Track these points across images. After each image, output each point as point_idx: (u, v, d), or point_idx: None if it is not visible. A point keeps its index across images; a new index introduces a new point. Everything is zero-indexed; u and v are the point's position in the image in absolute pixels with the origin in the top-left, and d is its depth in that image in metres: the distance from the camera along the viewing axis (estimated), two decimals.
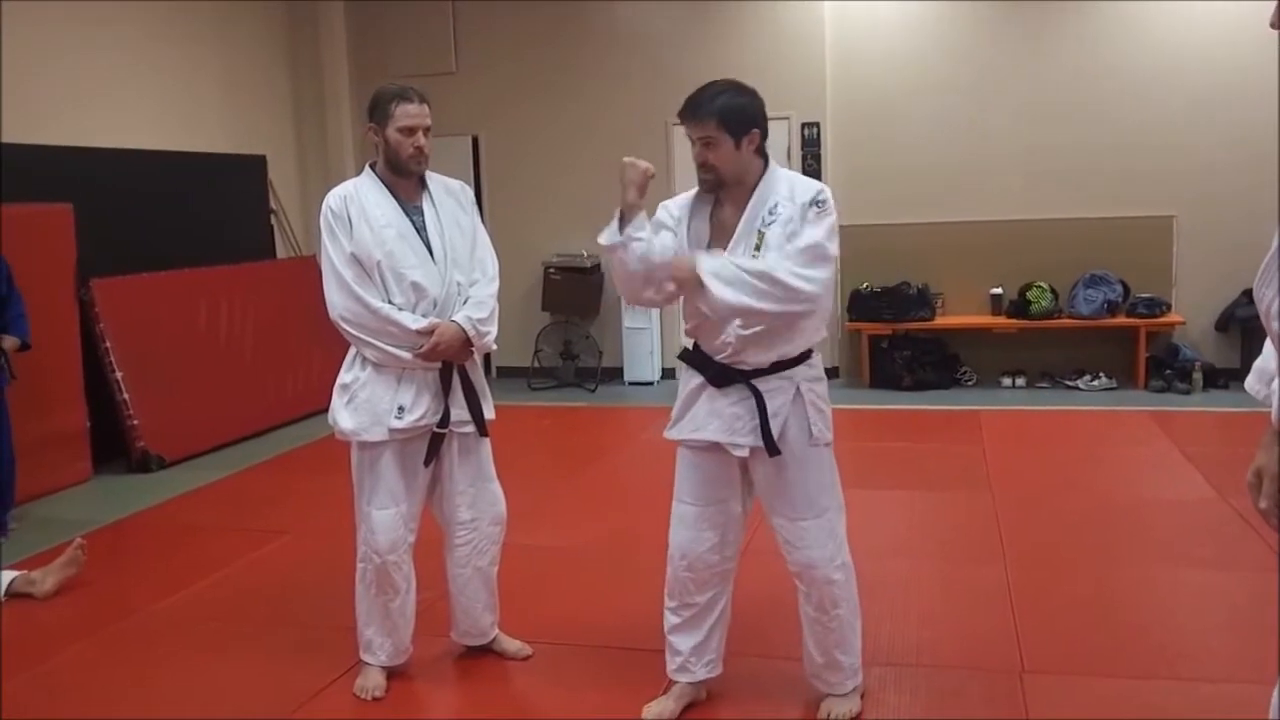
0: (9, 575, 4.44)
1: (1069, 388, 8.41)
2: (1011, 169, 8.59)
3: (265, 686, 3.55)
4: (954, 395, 8.33)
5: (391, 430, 3.31)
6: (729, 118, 2.89)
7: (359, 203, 3.32)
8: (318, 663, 3.66)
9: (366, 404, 3.32)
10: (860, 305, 8.70)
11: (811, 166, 8.74)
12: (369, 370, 3.34)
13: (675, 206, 3.11)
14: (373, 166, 3.42)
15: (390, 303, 3.29)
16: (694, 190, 3.09)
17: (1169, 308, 8.37)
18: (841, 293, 8.85)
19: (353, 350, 3.39)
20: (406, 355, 3.29)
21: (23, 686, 3.61)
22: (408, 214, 3.36)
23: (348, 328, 3.30)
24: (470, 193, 3.59)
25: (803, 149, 8.77)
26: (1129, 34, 8.32)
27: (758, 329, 2.90)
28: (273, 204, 8.88)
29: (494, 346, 3.47)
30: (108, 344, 6.59)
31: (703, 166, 2.96)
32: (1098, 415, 7.47)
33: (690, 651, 3.19)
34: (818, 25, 8.71)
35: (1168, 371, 8.16)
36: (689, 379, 3.09)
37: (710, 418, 3.02)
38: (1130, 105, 8.34)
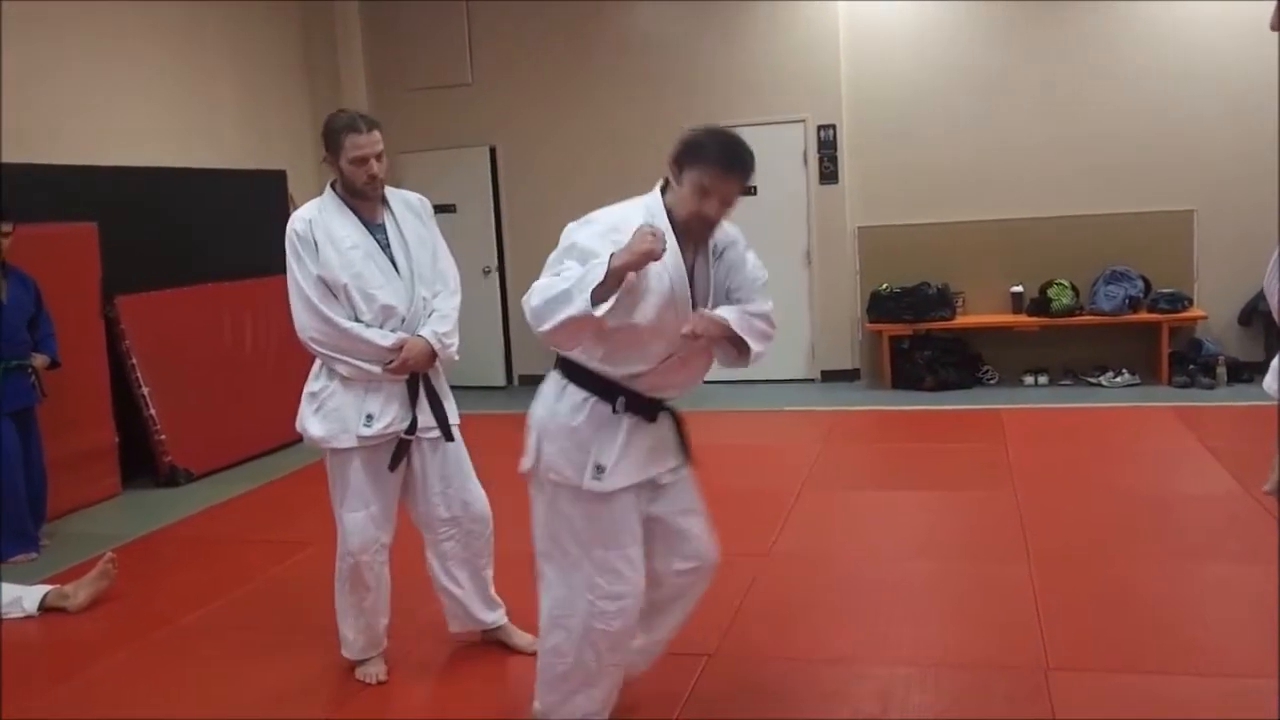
0: (42, 590, 4.51)
1: (1092, 385, 8.37)
2: (1030, 166, 8.57)
3: (295, 694, 3.59)
4: (976, 395, 8.30)
5: (360, 438, 3.40)
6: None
7: (324, 226, 3.40)
8: (347, 671, 3.68)
9: (335, 412, 3.42)
10: (880, 306, 8.69)
11: (828, 169, 8.76)
12: (337, 380, 3.43)
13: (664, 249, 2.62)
14: (333, 186, 3.49)
15: (358, 320, 3.37)
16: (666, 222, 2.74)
17: (1191, 302, 8.33)
18: (861, 294, 8.86)
19: (319, 360, 3.48)
20: (376, 370, 3.38)
21: (58, 699, 3.67)
22: (372, 233, 3.44)
23: (319, 348, 3.41)
24: (429, 206, 3.66)
25: (819, 151, 8.77)
26: (1146, 29, 8.28)
27: (701, 370, 2.91)
28: None
29: (456, 357, 3.54)
30: (134, 360, 6.66)
31: (710, 223, 2.73)
32: (1121, 412, 7.44)
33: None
34: (832, 27, 8.71)
35: (1191, 366, 8.12)
36: (600, 421, 2.79)
37: (650, 454, 2.84)
38: (1147, 100, 8.30)
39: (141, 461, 6.70)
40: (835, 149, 8.79)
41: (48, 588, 4.54)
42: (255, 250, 8.24)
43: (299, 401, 3.54)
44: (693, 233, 2.75)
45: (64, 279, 5.97)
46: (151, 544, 5.56)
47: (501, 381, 9.64)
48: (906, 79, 8.71)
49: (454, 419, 3.58)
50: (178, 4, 7.81)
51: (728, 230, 2.87)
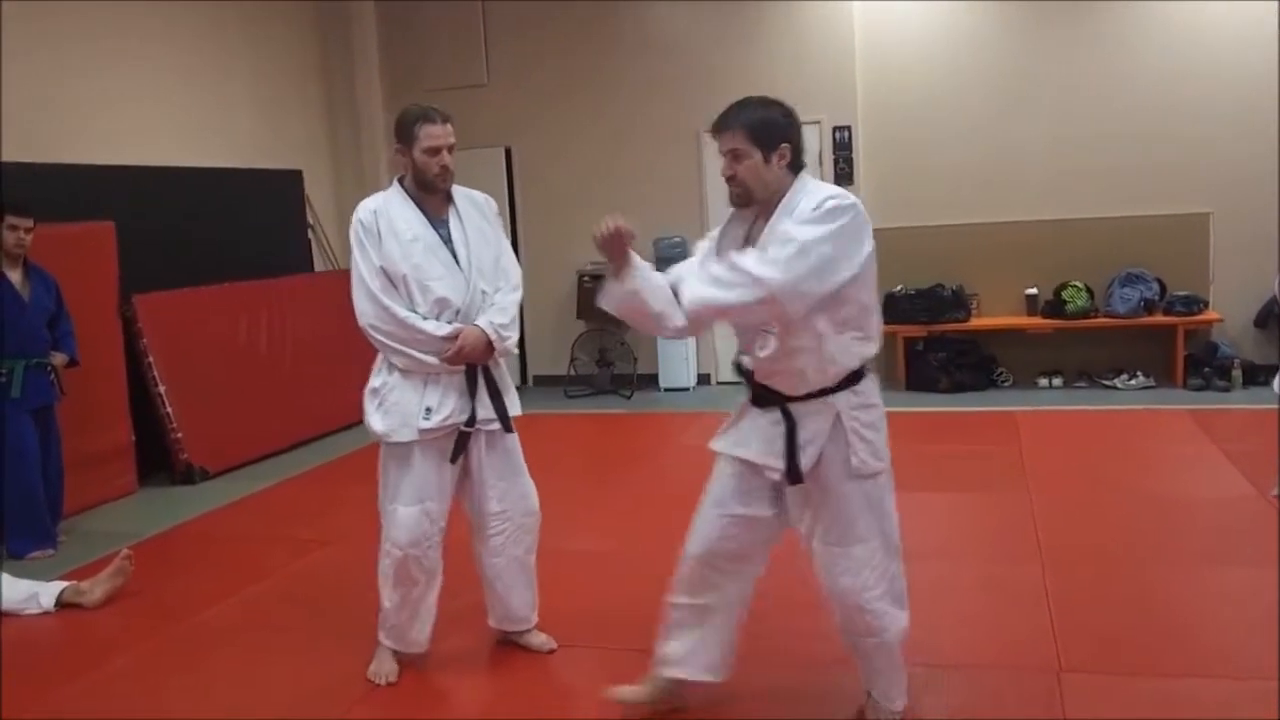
0: (59, 586, 4.54)
1: (1106, 387, 8.35)
2: (1045, 168, 8.56)
3: (312, 691, 3.61)
4: (990, 396, 8.29)
5: (420, 430, 3.43)
6: (758, 130, 2.82)
7: (388, 217, 3.44)
8: (363, 668, 3.70)
9: (396, 406, 3.45)
10: (895, 307, 8.67)
11: (844, 170, 8.75)
12: (396, 374, 3.46)
13: (720, 227, 3.07)
14: (400, 180, 3.53)
15: (415, 312, 3.40)
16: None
17: (1206, 305, 8.29)
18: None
19: (381, 355, 3.51)
20: (432, 360, 3.41)
21: (74, 694, 3.70)
22: (434, 227, 3.48)
23: (376, 335, 3.43)
24: (494, 205, 3.69)
25: (834, 152, 8.77)
26: (1161, 31, 8.26)
27: (771, 351, 2.84)
28: (310, 218, 8.99)
29: (514, 350, 3.60)
30: (150, 359, 6.70)
31: (730, 180, 2.89)
32: (1136, 414, 7.41)
33: (681, 652, 3.18)
34: (847, 28, 8.71)
35: (1206, 369, 8.09)
36: (744, 393, 3.06)
37: (752, 436, 2.97)
38: (1163, 102, 8.28)
39: (158, 459, 6.74)
40: (850, 150, 8.79)
41: (64, 584, 4.57)
42: (271, 249, 8.31)
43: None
44: (731, 196, 2.94)
45: (81, 278, 6.01)
46: (167, 541, 5.59)
47: (516, 381, 9.64)
48: (921, 80, 8.70)
49: (514, 410, 3.61)
50: (194, 5, 7.86)
51: (821, 197, 2.82)
